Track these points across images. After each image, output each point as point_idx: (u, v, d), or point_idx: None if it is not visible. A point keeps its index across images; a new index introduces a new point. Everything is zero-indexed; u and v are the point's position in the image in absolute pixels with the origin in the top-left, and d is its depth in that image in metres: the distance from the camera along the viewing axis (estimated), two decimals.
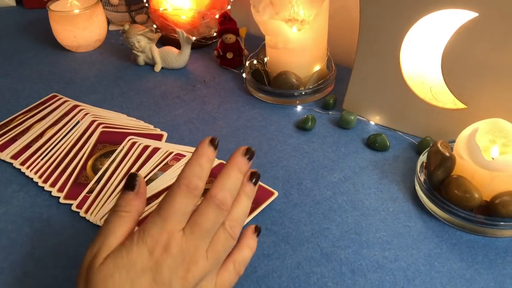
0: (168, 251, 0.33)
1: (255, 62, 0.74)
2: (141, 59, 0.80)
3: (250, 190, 0.39)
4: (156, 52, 0.79)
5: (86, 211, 0.52)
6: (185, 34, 0.76)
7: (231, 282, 0.39)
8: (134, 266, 0.33)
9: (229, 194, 0.36)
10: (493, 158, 0.49)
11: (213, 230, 0.36)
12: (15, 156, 0.60)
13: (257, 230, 0.42)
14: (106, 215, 0.51)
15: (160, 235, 0.34)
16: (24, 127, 0.66)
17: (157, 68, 0.80)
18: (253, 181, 0.39)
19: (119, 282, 0.32)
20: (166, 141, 0.62)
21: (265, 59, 0.72)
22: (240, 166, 0.38)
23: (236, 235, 0.37)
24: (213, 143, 0.37)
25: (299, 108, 0.69)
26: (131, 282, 0.32)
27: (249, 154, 0.38)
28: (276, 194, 0.53)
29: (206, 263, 0.35)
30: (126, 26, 0.77)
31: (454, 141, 0.51)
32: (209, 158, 0.37)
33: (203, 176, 0.36)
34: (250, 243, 0.40)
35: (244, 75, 0.74)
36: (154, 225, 0.34)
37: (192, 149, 0.61)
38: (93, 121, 0.65)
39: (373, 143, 0.60)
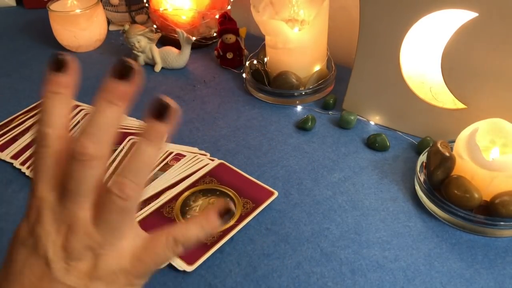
0: (39, 221, 0.29)
1: (255, 62, 0.74)
2: (141, 59, 0.80)
3: (155, 131, 0.30)
4: (156, 52, 0.79)
5: None
6: (185, 34, 0.76)
7: (158, 257, 0.30)
8: (17, 237, 0.30)
9: (91, 140, 0.28)
10: (493, 158, 0.49)
11: (84, 191, 0.28)
12: (15, 156, 0.60)
13: (224, 212, 0.32)
14: None
15: (33, 203, 0.29)
16: (24, 127, 0.66)
17: (157, 68, 0.80)
18: (164, 118, 0.30)
19: (9, 254, 0.30)
20: (166, 141, 0.62)
21: (265, 59, 0.72)
22: (111, 96, 0.30)
23: (127, 194, 0.28)
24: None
25: (299, 108, 0.69)
26: (15, 252, 0.29)
27: (120, 71, 0.31)
28: (276, 194, 0.53)
29: (94, 231, 0.28)
30: (126, 26, 0.77)
31: (454, 141, 0.51)
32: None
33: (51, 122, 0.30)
34: (204, 222, 0.31)
35: (244, 75, 0.74)
36: (30, 192, 0.29)
37: (192, 149, 0.61)
38: None
39: (373, 143, 0.60)
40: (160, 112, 0.31)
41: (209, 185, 0.54)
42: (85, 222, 0.29)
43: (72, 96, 0.31)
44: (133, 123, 0.66)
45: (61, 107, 0.30)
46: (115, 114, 0.30)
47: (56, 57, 0.30)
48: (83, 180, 0.28)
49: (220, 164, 0.57)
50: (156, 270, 0.31)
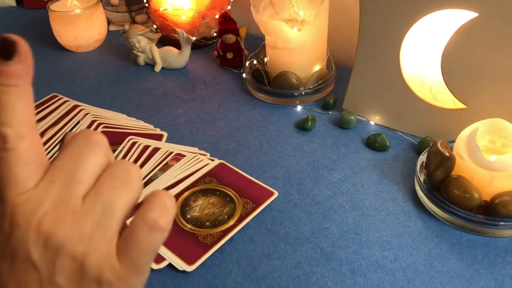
0: (15, 225, 0.25)
1: (255, 62, 0.74)
2: (141, 59, 0.80)
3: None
4: (156, 52, 0.79)
5: None
6: (185, 34, 0.76)
7: (141, 243, 0.26)
8: None
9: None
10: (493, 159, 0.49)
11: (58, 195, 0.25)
12: None
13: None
14: None
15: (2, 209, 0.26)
16: None
17: (157, 68, 0.80)
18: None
19: None
20: (166, 141, 0.62)
21: (265, 59, 0.72)
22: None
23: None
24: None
25: (299, 108, 0.69)
26: None
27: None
28: (276, 194, 0.53)
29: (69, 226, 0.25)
30: (126, 26, 0.77)
31: (454, 141, 0.51)
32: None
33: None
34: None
35: (244, 75, 0.74)
36: None
37: (192, 149, 0.61)
38: (93, 121, 0.65)
39: (373, 143, 0.60)
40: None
41: (209, 185, 0.54)
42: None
43: (30, 85, 0.27)
44: (133, 123, 0.66)
45: (20, 102, 0.26)
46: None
47: (3, 41, 0.25)
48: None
49: (220, 164, 0.57)
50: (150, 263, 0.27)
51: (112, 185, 0.26)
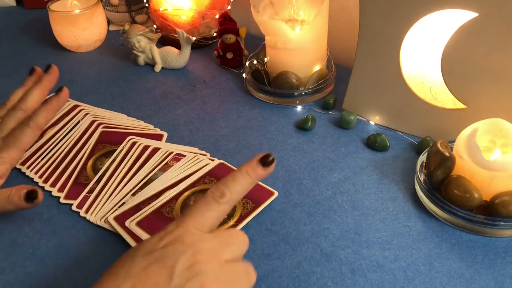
0: (180, 241, 0.34)
1: (255, 62, 0.74)
2: (141, 59, 0.80)
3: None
4: (156, 52, 0.79)
5: (87, 211, 0.52)
6: (185, 34, 0.76)
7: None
8: (144, 248, 0.34)
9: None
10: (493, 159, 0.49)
11: (211, 225, 0.37)
12: None
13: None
14: (107, 215, 0.51)
15: (176, 227, 0.35)
16: None
17: (157, 68, 0.80)
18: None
19: (128, 257, 0.34)
20: (166, 141, 0.62)
21: (265, 59, 0.72)
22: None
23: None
24: (264, 161, 0.38)
25: (299, 108, 0.69)
26: (138, 258, 0.34)
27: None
28: (276, 194, 0.53)
29: (212, 261, 0.35)
30: (126, 26, 0.77)
31: (454, 141, 0.51)
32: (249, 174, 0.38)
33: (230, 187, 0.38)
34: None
35: (244, 75, 0.74)
36: (174, 222, 0.36)
37: (192, 149, 0.61)
38: (93, 121, 0.65)
39: (373, 143, 0.60)
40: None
41: (209, 185, 0.54)
42: (214, 255, 0.34)
43: None
44: (133, 123, 0.66)
45: None
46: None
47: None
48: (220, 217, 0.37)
49: (220, 164, 0.57)
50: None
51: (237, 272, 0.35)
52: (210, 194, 0.37)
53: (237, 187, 0.37)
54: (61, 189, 0.55)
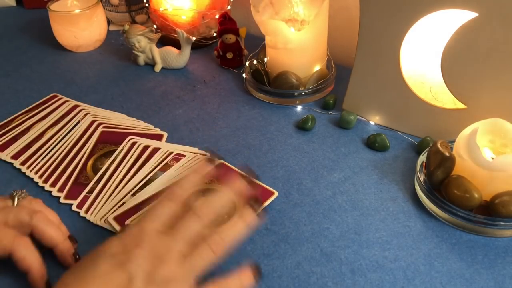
0: (139, 245, 0.36)
1: (255, 62, 0.74)
2: (141, 59, 0.80)
3: (248, 216, 0.41)
4: (156, 52, 0.79)
5: (86, 211, 0.52)
6: (185, 34, 0.76)
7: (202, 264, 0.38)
8: (106, 250, 0.37)
9: (210, 206, 0.40)
10: (492, 158, 0.49)
11: (188, 236, 0.38)
12: (15, 156, 0.60)
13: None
14: (107, 215, 0.51)
15: (136, 231, 0.38)
16: (24, 127, 0.66)
17: (157, 68, 0.80)
18: (253, 206, 0.41)
19: (91, 260, 0.36)
20: (166, 141, 0.62)
21: (265, 59, 0.72)
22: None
23: (217, 251, 0.38)
24: (211, 161, 0.43)
25: (299, 108, 0.69)
26: (101, 260, 0.36)
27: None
28: (276, 194, 0.53)
29: (177, 267, 0.36)
30: (126, 26, 0.77)
31: (454, 141, 0.51)
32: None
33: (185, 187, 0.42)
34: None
35: (244, 75, 0.74)
36: (137, 223, 0.39)
37: (192, 149, 0.61)
38: (93, 121, 0.65)
39: (373, 143, 0.60)
40: (255, 207, 0.42)
41: (209, 185, 0.54)
42: (176, 258, 0.36)
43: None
44: (133, 123, 0.66)
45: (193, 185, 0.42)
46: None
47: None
48: (192, 230, 0.39)
49: (220, 164, 0.57)
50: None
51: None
52: (164, 195, 0.41)
53: (187, 184, 0.42)
54: (61, 189, 0.55)
